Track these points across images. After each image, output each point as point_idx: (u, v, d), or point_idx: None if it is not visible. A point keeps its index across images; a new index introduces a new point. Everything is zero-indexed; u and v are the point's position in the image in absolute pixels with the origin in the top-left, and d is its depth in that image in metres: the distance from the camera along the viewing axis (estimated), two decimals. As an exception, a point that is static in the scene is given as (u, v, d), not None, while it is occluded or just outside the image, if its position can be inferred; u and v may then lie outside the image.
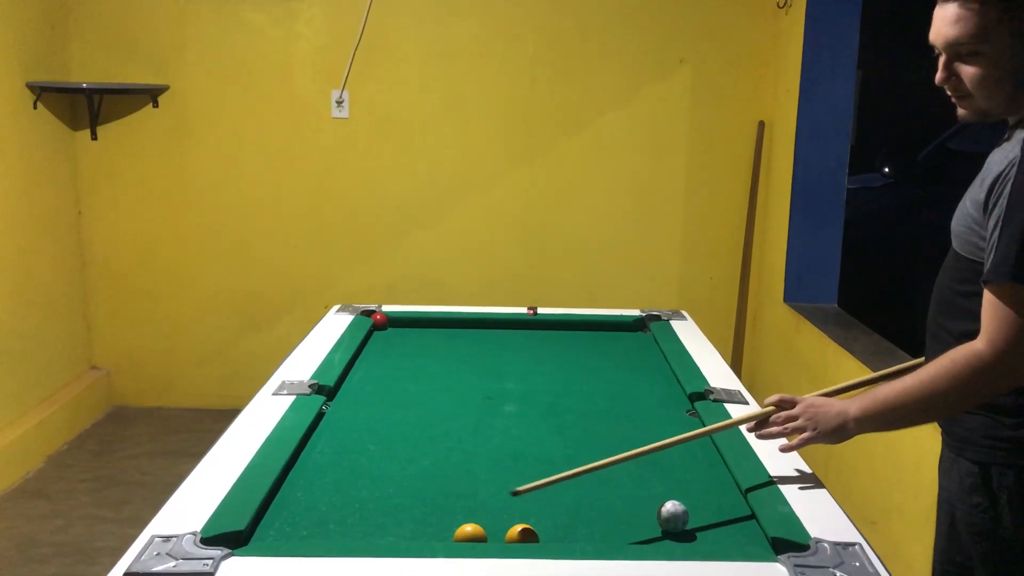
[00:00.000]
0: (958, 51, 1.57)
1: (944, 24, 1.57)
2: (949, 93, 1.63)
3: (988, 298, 1.52)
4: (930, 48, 1.63)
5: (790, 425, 1.74)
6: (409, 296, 4.42)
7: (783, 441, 1.81)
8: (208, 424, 4.45)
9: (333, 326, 2.88)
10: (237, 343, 4.61)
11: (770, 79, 4.31)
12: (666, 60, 4.34)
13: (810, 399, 1.78)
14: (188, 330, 4.60)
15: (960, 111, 1.64)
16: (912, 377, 1.63)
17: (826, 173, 3.99)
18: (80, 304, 4.50)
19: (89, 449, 4.15)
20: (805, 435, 1.72)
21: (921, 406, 1.62)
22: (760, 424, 1.81)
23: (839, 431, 1.70)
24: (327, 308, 4.45)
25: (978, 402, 1.63)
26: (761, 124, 4.36)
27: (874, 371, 3.09)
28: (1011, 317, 1.49)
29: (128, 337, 4.60)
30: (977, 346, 1.54)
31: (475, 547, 1.53)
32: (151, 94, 4.32)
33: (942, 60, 1.61)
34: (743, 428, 1.90)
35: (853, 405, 1.70)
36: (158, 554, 1.46)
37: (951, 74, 1.60)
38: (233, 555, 1.46)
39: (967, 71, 1.57)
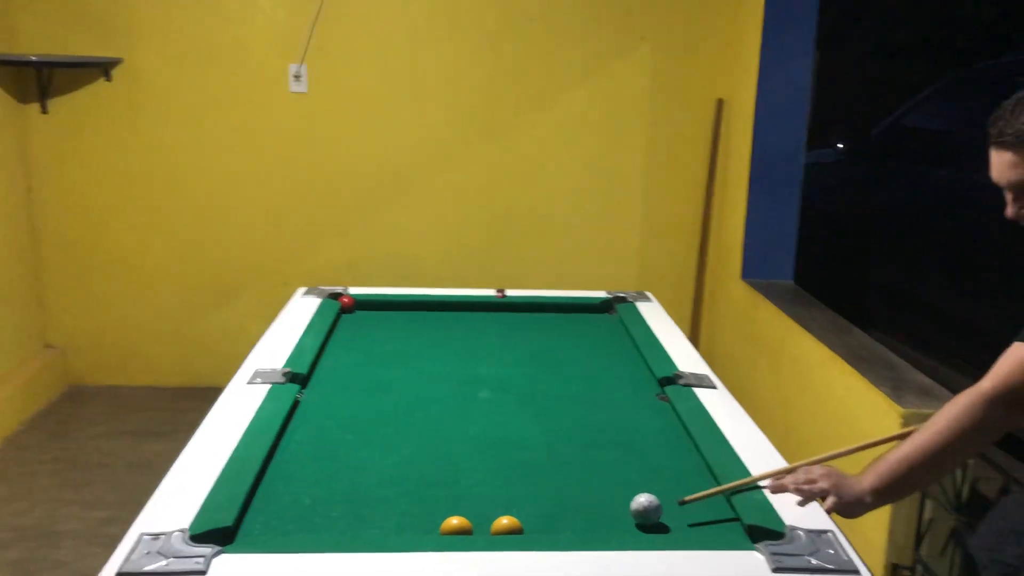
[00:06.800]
0: (1022, 189, 1.66)
1: (1004, 168, 1.66)
2: (1022, 224, 1.72)
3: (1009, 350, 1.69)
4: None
5: (815, 488, 1.71)
6: (371, 274, 4.41)
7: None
8: (168, 402, 4.41)
9: (301, 310, 2.87)
10: (195, 320, 4.56)
11: (730, 58, 4.35)
12: (627, 37, 4.35)
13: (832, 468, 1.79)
14: (145, 307, 4.54)
15: None
16: (921, 430, 1.71)
17: (784, 152, 4.06)
18: (33, 282, 4.41)
19: (47, 430, 4.09)
20: (830, 499, 1.70)
21: (937, 452, 1.69)
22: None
23: (855, 503, 1.70)
24: (286, 285, 4.44)
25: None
26: (720, 102, 4.40)
27: (829, 347, 3.20)
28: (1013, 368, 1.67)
29: (83, 315, 4.53)
30: (981, 384, 1.68)
31: (462, 540, 1.55)
32: (104, 67, 4.22)
33: (1009, 196, 1.70)
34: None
35: (865, 478, 1.71)
36: (148, 553, 1.47)
37: (1021, 206, 1.68)
38: (223, 552, 1.47)
39: None
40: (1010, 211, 1.71)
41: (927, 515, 2.67)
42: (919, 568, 2.70)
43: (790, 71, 3.99)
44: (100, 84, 4.26)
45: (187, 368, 4.57)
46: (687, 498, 1.70)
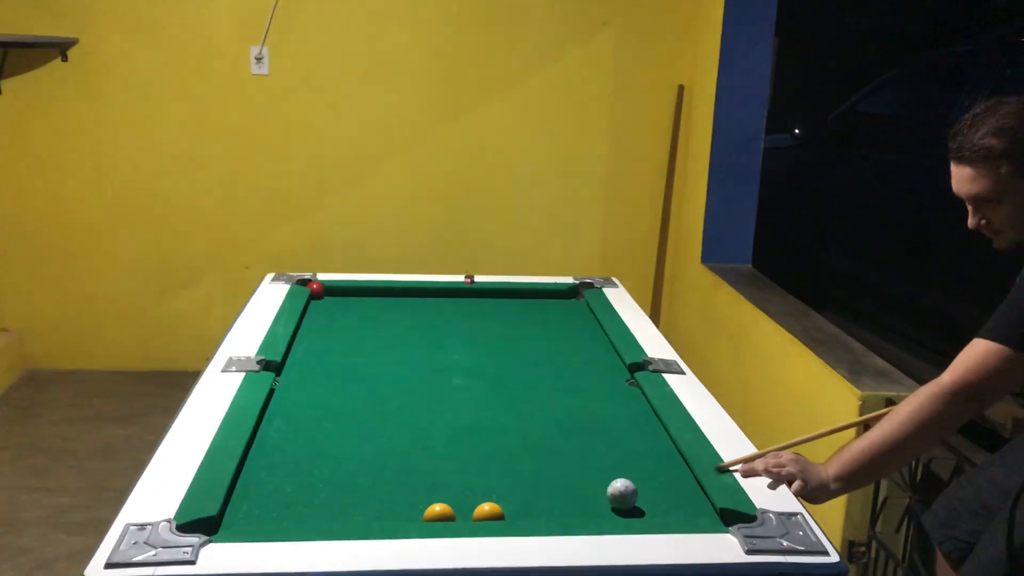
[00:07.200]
0: (982, 201, 1.75)
1: (963, 182, 1.75)
2: (984, 233, 1.80)
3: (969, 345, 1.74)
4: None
5: (782, 471, 1.77)
6: (333, 258, 4.41)
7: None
8: (128, 386, 4.38)
9: (270, 296, 2.87)
10: (155, 303, 4.52)
11: (691, 44, 4.40)
12: (589, 22, 4.38)
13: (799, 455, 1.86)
14: (104, 290, 4.49)
15: (997, 243, 1.82)
16: (884, 421, 1.77)
17: (743, 138, 4.12)
18: (-13, 265, 4.35)
19: (4, 415, 4.04)
20: (796, 484, 1.76)
21: (898, 443, 1.74)
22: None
23: (820, 489, 1.76)
24: (249, 269, 4.44)
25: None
26: (681, 88, 4.46)
27: (788, 331, 3.28)
28: (974, 363, 1.71)
29: (39, 298, 4.46)
30: (941, 378, 1.74)
31: (446, 526, 1.59)
32: (60, 48, 4.15)
33: (970, 208, 1.78)
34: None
35: (829, 466, 1.78)
36: (135, 543, 1.48)
37: (981, 217, 1.78)
38: (211, 542, 1.49)
39: (996, 214, 1.75)
40: (971, 222, 1.80)
41: (882, 493, 2.77)
42: (874, 544, 2.79)
43: (750, 57, 4.05)
44: (56, 65, 4.18)
45: (148, 351, 4.54)
46: (724, 463, 1.80)
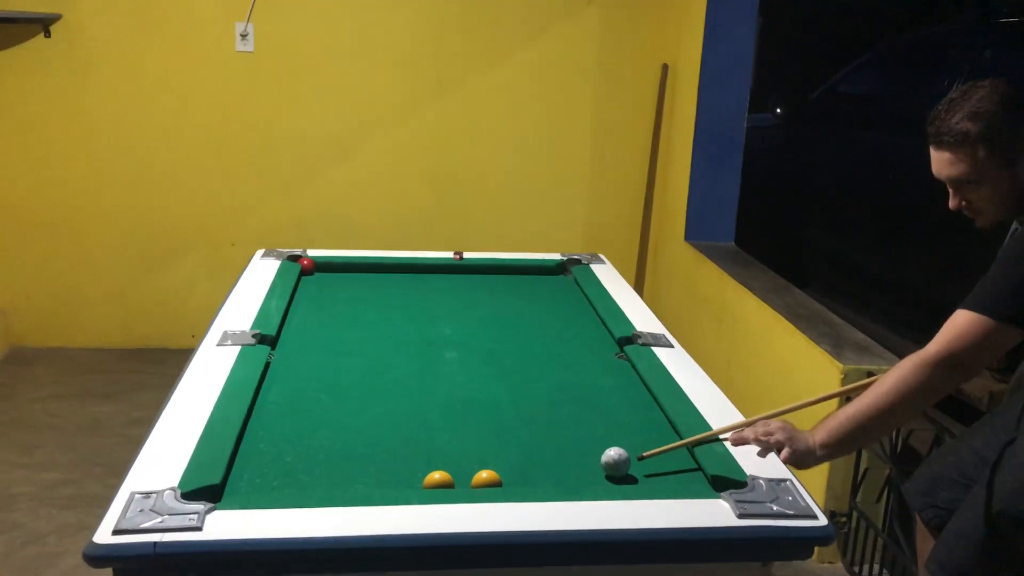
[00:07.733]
0: (962, 184, 1.82)
1: (943, 166, 1.82)
2: (966, 213, 1.87)
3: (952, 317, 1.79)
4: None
5: (771, 439, 1.81)
6: (319, 235, 4.42)
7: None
8: (113, 364, 4.38)
9: (262, 272, 2.89)
10: (140, 281, 4.52)
11: (675, 23, 4.42)
12: (574, 1, 4.40)
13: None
14: (89, 268, 4.47)
15: (979, 223, 1.89)
16: (870, 391, 1.82)
17: (727, 116, 4.16)
18: (-30, 243, 4.32)
19: (-10, 392, 4.04)
20: (784, 451, 1.80)
21: (883, 411, 1.79)
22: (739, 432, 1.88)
23: (807, 455, 1.80)
24: (234, 246, 4.45)
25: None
26: (665, 67, 4.49)
27: (771, 307, 3.34)
28: (957, 333, 1.76)
29: (24, 275, 4.44)
30: (926, 348, 1.79)
31: (446, 493, 1.63)
32: (42, 23, 4.12)
33: (951, 189, 1.85)
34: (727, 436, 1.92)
35: (816, 433, 1.82)
36: (142, 510, 1.50)
37: (962, 198, 1.85)
38: (216, 509, 1.52)
39: (976, 195, 1.82)
40: (953, 203, 1.87)
41: (863, 465, 2.84)
42: (855, 515, 2.86)
43: (734, 36, 4.09)
44: (39, 40, 4.15)
45: (133, 329, 4.54)
46: (646, 453, 1.80)
